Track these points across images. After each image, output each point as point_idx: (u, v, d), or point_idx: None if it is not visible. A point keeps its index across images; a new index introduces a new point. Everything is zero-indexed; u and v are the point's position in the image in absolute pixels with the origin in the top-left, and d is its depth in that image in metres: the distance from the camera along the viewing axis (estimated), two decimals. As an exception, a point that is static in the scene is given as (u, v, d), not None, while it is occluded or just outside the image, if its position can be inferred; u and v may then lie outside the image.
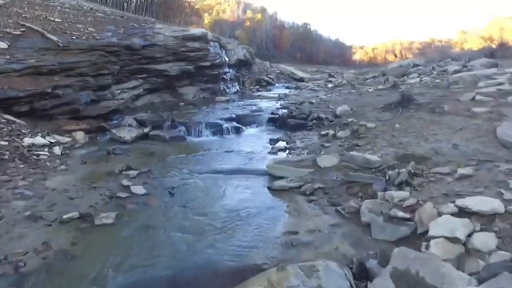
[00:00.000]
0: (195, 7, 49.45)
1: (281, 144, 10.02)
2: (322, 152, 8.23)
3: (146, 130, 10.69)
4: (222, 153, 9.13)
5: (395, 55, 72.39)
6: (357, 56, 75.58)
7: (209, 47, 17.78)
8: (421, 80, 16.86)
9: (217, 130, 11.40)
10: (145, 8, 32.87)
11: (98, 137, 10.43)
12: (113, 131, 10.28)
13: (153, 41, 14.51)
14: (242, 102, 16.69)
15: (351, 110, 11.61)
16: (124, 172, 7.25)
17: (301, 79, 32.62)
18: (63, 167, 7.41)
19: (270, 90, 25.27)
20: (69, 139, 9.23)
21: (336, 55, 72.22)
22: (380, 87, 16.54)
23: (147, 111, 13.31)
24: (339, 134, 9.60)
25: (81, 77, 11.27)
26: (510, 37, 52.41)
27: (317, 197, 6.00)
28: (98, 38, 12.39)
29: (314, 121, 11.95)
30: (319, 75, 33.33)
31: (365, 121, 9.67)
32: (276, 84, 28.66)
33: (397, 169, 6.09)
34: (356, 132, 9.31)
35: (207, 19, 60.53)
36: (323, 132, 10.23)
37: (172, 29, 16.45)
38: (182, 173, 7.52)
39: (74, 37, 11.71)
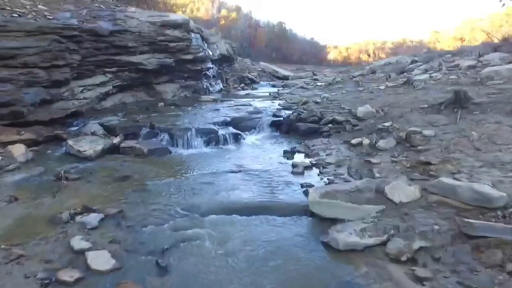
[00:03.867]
0: (170, 2, 45.97)
1: (302, 158, 7.30)
2: (376, 174, 5.50)
3: (116, 140, 7.63)
4: (227, 176, 6.21)
5: (369, 55, 70.72)
6: (331, 56, 73.51)
7: (191, 38, 14.73)
8: (431, 77, 14.43)
9: (211, 138, 8.46)
10: None
11: (48, 152, 7.30)
12: (70, 142, 7.17)
13: (125, 26, 11.31)
14: (233, 102, 13.74)
15: (381, 111, 8.93)
16: (78, 218, 4.26)
17: (285, 77, 29.91)
18: (-26, 210, 4.34)
19: (256, 88, 22.37)
20: None
21: (311, 54, 70.05)
22: (390, 84, 14.01)
23: (117, 114, 10.13)
24: (380, 144, 6.92)
25: (27, 68, 8.08)
26: (479, 36, 51.90)
27: (429, 271, 3.25)
28: (51, 18, 9.16)
29: (330, 125, 9.26)
30: (304, 73, 30.69)
31: (414, 127, 7.00)
32: (261, 83, 25.79)
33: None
34: (407, 142, 6.65)
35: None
36: (353, 141, 7.54)
37: (148, 14, 13.24)
38: (173, 215, 4.58)
39: (16, 15, 8.45)
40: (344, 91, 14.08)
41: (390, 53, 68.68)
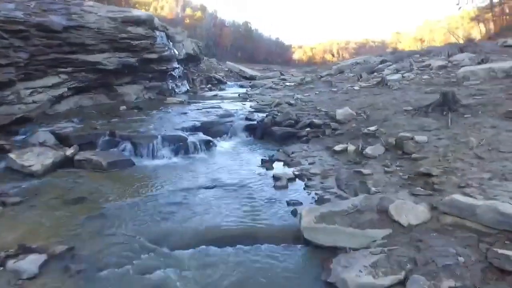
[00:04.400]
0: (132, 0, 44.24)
1: (282, 167, 6.57)
2: (372, 188, 4.82)
3: (69, 151, 6.55)
4: (200, 193, 5.33)
5: (333, 55, 71.48)
6: (296, 56, 73.69)
7: (156, 36, 13.63)
8: (403, 77, 14.15)
9: (179, 146, 7.53)
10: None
11: (-16, 167, 6.12)
12: (12, 155, 6.03)
13: (82, 22, 10.11)
14: (201, 104, 12.82)
15: (363, 114, 8.33)
16: (11, 263, 3.27)
17: (252, 77, 29.21)
18: None
19: (224, 89, 21.49)
20: None
21: (277, 54, 69.90)
22: (364, 84, 13.57)
23: (73, 120, 8.96)
24: (368, 151, 6.28)
25: (-40, 68, 6.86)
26: (437, 38, 53.65)
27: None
28: (-10, 10, 7.91)
29: (308, 129, 8.60)
30: (271, 73, 30.10)
31: (403, 132, 6.41)
32: (228, 83, 24.92)
33: None
34: (398, 149, 6.05)
35: (144, 14, 55.00)
36: (337, 148, 6.89)
37: (108, 9, 12.03)
38: (138, 250, 3.67)
39: None
40: (317, 92, 13.50)
41: (354, 53, 69.75)
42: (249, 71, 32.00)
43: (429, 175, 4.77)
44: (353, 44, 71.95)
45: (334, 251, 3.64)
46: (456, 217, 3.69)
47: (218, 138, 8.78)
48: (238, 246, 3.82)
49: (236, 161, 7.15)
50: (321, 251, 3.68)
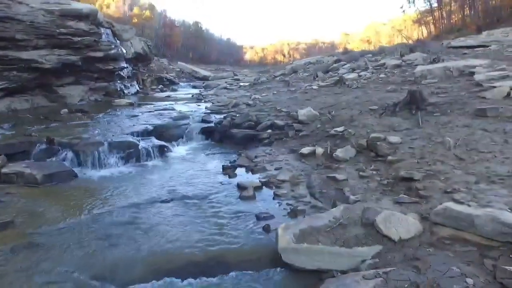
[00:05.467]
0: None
1: (245, 173, 5.96)
2: (351, 196, 4.32)
3: (-5, 164, 5.49)
4: (155, 208, 4.56)
5: (284, 55, 72.01)
6: (248, 56, 73.50)
7: (101, 32, 12.46)
8: (359, 76, 14.06)
9: (130, 153, 6.67)
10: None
11: None
12: None
13: (9, 13, 8.81)
14: (152, 106, 11.86)
15: (328, 114, 7.89)
16: None
17: (205, 78, 28.44)
18: None
19: (176, 90, 20.55)
20: None
21: (228, 55, 69.22)
22: (322, 83, 13.28)
23: (3, 126, 7.71)
24: (338, 154, 5.83)
25: None
26: (383, 39, 55.76)
27: None
28: None
29: (270, 130, 8.08)
30: (225, 74, 29.45)
31: (374, 133, 6.03)
32: (181, 84, 23.94)
33: None
34: (370, 151, 5.65)
35: (88, 12, 52.04)
36: (304, 151, 6.39)
37: (43, 0, 10.74)
38: (78, 292, 2.89)
39: None
40: (275, 92, 13.02)
41: (304, 53, 70.69)
42: (201, 72, 31.15)
43: (410, 179, 4.36)
44: (304, 44, 72.93)
45: (319, 274, 3.12)
46: (452, 229, 3.27)
47: (173, 143, 8.08)
48: (205, 277, 3.15)
49: (194, 168, 6.44)
50: (304, 276, 3.15)
